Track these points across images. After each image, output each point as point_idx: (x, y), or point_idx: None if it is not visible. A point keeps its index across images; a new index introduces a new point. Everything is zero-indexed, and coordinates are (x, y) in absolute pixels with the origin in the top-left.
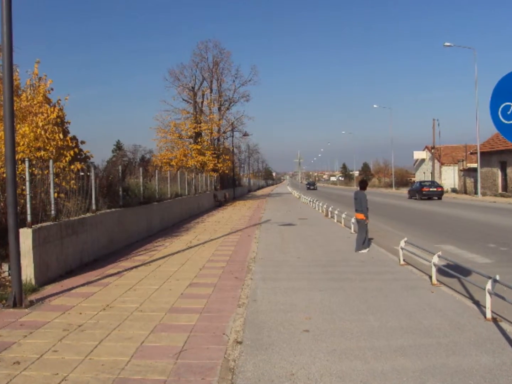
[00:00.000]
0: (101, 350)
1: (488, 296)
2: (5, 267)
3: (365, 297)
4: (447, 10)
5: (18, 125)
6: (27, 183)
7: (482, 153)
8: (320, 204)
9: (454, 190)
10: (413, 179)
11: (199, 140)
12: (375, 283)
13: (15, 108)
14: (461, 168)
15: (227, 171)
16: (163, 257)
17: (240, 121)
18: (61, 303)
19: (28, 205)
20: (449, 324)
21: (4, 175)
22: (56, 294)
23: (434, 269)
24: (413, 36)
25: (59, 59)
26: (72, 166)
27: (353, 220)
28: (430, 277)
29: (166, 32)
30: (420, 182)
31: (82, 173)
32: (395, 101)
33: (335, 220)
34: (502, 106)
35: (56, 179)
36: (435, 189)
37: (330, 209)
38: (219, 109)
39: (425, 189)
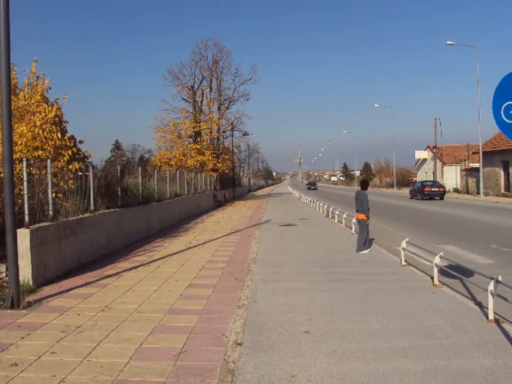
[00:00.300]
0: (99, 351)
1: (490, 297)
2: (2, 268)
3: (366, 298)
4: (448, 9)
5: (16, 125)
6: (25, 183)
7: (484, 153)
8: (321, 204)
9: (456, 190)
10: (414, 179)
11: (198, 139)
12: (376, 284)
13: (12, 107)
14: (463, 168)
15: (226, 171)
16: (162, 258)
17: (240, 120)
18: (59, 304)
19: (25, 205)
20: (451, 326)
21: (2, 175)
22: (54, 295)
23: (435, 270)
24: (414, 35)
25: (58, 57)
26: (70, 166)
27: (354, 220)
28: (432, 278)
29: (165, 30)
30: (422, 182)
31: (81, 173)
32: (396, 100)
33: (336, 221)
34: (504, 105)
35: (54, 179)
36: (437, 189)
37: (330, 209)
38: (219, 108)
39: (427, 189)
